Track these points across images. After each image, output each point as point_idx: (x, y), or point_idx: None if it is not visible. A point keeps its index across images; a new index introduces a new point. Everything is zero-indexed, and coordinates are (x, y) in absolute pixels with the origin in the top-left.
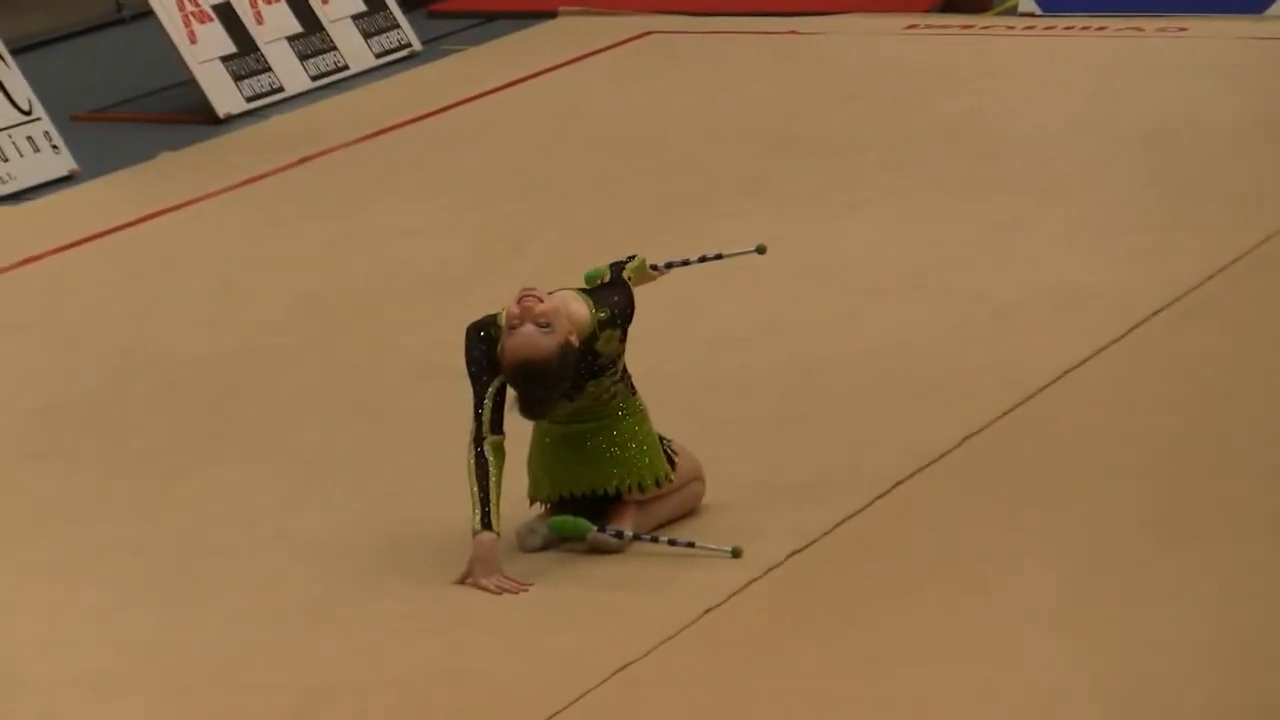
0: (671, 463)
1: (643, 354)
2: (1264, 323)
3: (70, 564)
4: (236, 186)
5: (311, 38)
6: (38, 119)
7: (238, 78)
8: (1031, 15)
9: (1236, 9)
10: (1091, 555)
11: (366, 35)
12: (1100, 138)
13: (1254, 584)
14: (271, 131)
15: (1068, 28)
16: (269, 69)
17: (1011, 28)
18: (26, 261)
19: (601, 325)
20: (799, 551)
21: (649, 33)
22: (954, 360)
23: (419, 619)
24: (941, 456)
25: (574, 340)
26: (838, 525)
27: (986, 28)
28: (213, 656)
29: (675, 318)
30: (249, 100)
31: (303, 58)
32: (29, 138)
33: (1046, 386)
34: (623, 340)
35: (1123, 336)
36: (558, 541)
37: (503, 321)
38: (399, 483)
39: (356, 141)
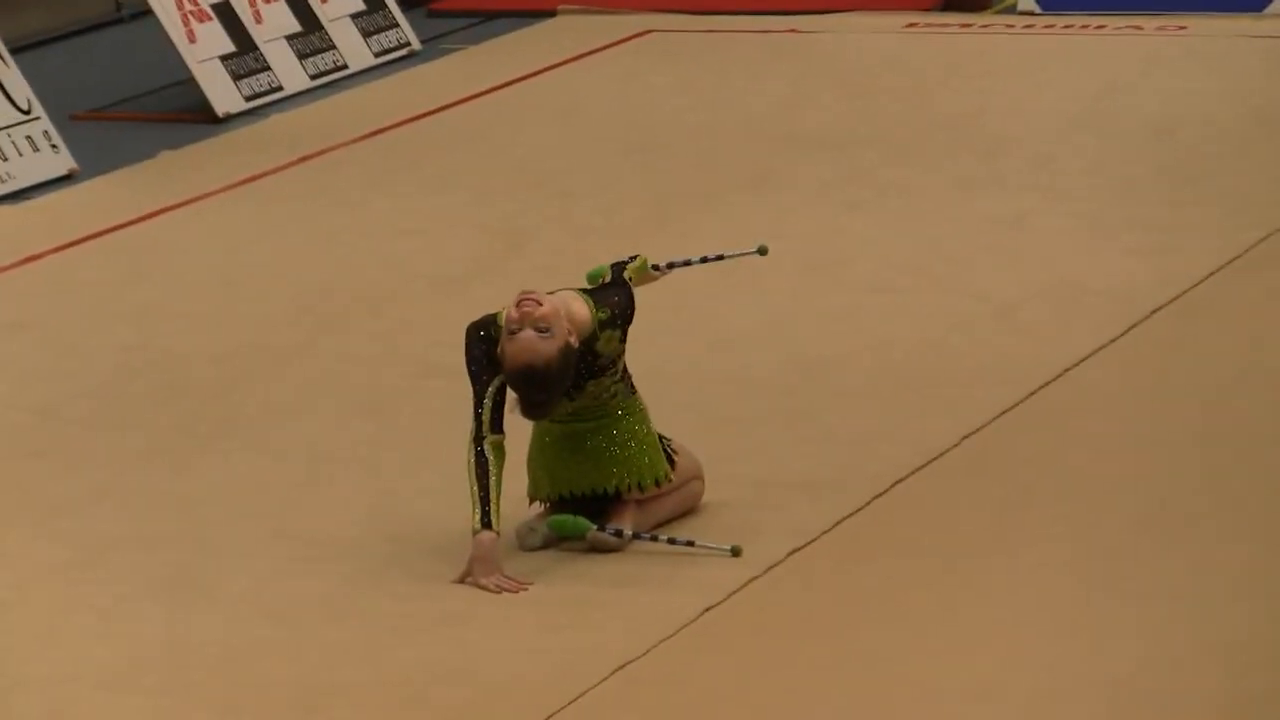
0: (671, 462)
1: (642, 353)
2: (1265, 320)
3: (71, 562)
4: (236, 185)
5: (310, 37)
6: (37, 118)
7: (237, 77)
8: (1031, 14)
9: (1236, 7)
10: (1092, 553)
11: (366, 34)
12: (1100, 136)
13: (1255, 581)
14: (270, 130)
15: (1067, 26)
16: (268, 68)
17: (1011, 26)
18: (27, 260)
19: (602, 325)
20: (799, 550)
21: (649, 31)
22: (954, 358)
23: (419, 617)
24: (942, 454)
25: (574, 341)
26: (837, 524)
27: (986, 26)
28: (213, 654)
29: (675, 316)
30: (248, 99)
31: (302, 57)
32: (28, 137)
33: (1047, 384)
34: (623, 340)
35: (1123, 334)
36: (557, 540)
37: (502, 321)
38: (399, 481)
39: (356, 140)
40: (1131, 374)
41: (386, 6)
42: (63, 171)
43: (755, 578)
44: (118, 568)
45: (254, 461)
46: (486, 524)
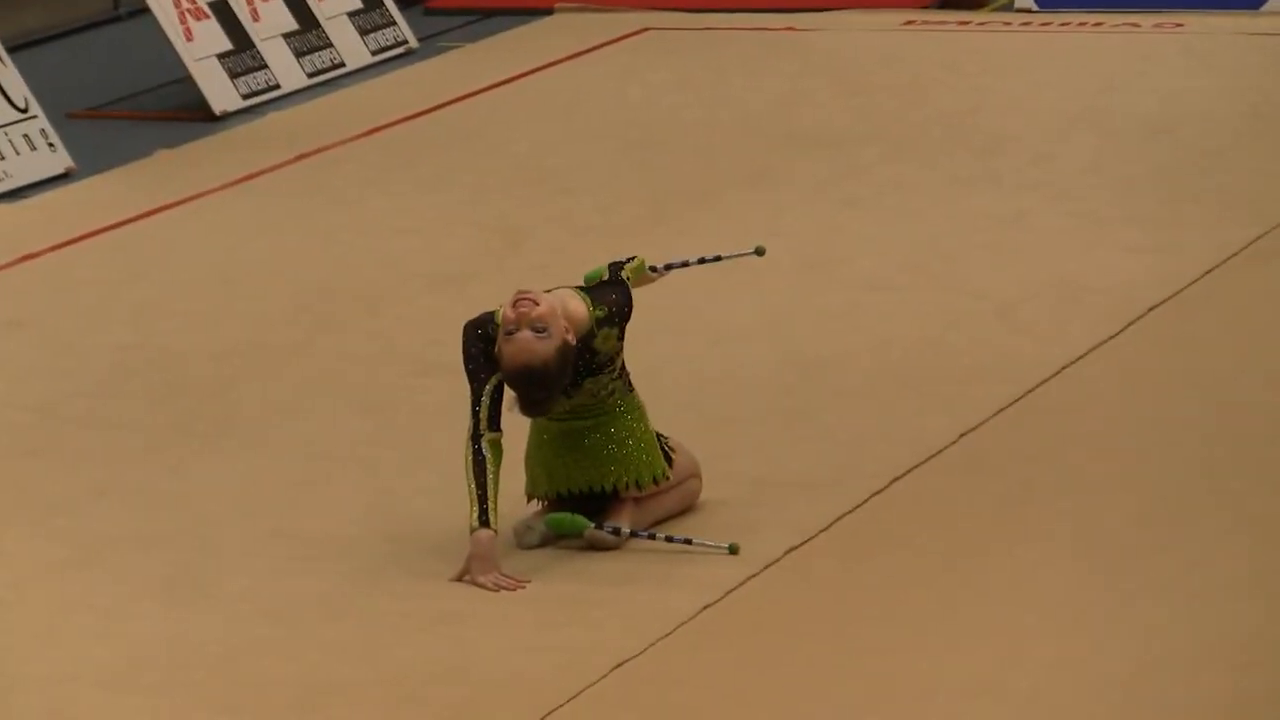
0: (669, 460)
1: (640, 351)
2: (1262, 316)
3: (69, 561)
4: (233, 184)
5: (308, 35)
6: (34, 116)
7: (234, 75)
8: (1028, 11)
9: (1233, 5)
10: (1091, 550)
11: (363, 32)
12: (1098, 133)
13: (1254, 578)
14: (268, 129)
15: (1064, 24)
16: (265, 66)
17: (1008, 24)
18: (24, 259)
19: (599, 323)
20: (796, 548)
21: (646, 29)
22: (952, 356)
23: (417, 616)
24: (939, 452)
25: (571, 340)
26: (835, 521)
27: (983, 24)
28: (212, 652)
29: (673, 315)
30: (245, 97)
31: (299, 55)
32: (25, 135)
33: (1045, 382)
34: (621, 338)
35: (1121, 331)
36: (555, 538)
37: (500, 320)
38: (397, 480)
39: (353, 138)
40: (1130, 371)
41: (384, 4)
42: (60, 170)
43: (753, 576)
44: (116, 566)
45: (252, 460)
46: (484, 522)
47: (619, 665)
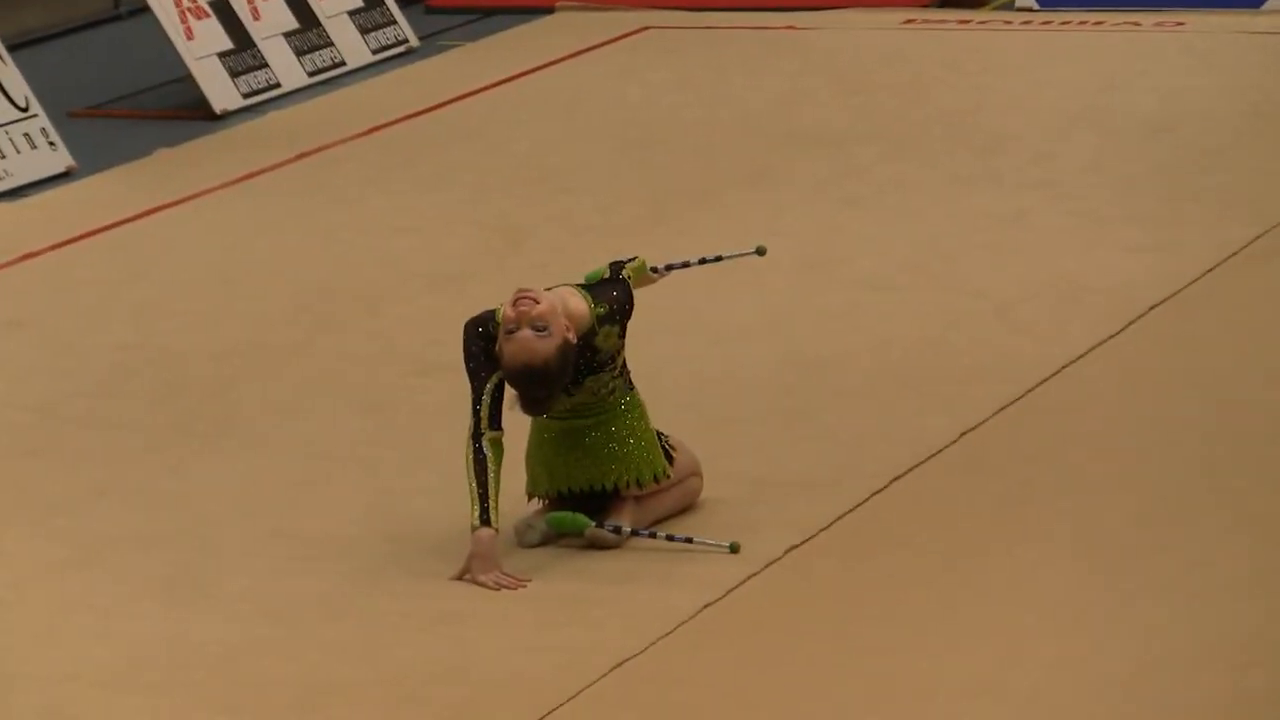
0: (669, 458)
1: (641, 350)
2: (1263, 315)
3: (69, 561)
4: (233, 183)
5: (308, 34)
6: (35, 115)
7: (235, 74)
8: (1029, 10)
9: (1233, 4)
10: (1091, 550)
11: (363, 31)
12: (1098, 132)
13: (1254, 578)
14: (268, 127)
15: (1065, 23)
16: (266, 65)
17: (1009, 22)
18: (24, 258)
19: (600, 321)
20: (797, 547)
21: (646, 28)
22: (952, 355)
23: (417, 615)
24: (940, 451)
25: (572, 338)
26: (836, 520)
27: (984, 23)
28: (212, 652)
29: (673, 314)
30: (246, 96)
31: (300, 54)
32: (26, 134)
33: (1045, 381)
34: (622, 336)
35: (1121, 330)
36: (556, 537)
37: (500, 318)
38: (397, 480)
39: (354, 137)
40: (1130, 371)
41: (384, 3)
42: (60, 169)
43: (754, 575)
44: (116, 566)
45: (252, 460)
46: (485, 521)
47: (620, 664)
